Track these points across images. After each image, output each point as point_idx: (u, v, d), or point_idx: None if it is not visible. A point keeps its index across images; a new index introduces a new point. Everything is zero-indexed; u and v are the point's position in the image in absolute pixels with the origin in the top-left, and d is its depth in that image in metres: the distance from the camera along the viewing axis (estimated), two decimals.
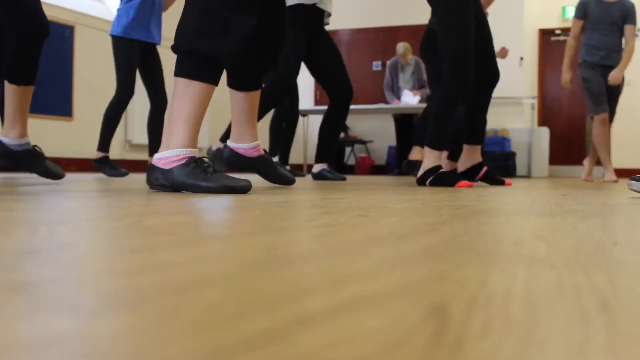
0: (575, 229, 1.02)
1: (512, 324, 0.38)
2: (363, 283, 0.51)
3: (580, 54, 5.68)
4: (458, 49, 3.32)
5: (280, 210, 1.35)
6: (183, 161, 2.06)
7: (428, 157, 3.47)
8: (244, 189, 2.06)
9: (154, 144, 4.73)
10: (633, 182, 2.27)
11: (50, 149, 6.44)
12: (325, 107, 9.65)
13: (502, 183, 3.80)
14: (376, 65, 10.09)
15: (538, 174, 9.02)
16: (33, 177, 3.87)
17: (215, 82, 2.14)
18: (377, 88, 10.05)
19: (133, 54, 4.63)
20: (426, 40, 4.49)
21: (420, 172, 3.48)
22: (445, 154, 4.10)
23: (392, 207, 1.49)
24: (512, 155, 8.55)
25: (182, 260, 0.62)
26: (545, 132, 9.06)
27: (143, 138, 7.48)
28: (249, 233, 0.88)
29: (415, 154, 4.98)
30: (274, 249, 0.71)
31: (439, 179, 3.41)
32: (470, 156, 3.84)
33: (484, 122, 3.78)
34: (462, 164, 3.88)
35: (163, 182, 2.09)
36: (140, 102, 7.39)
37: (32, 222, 0.98)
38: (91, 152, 6.76)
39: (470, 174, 3.85)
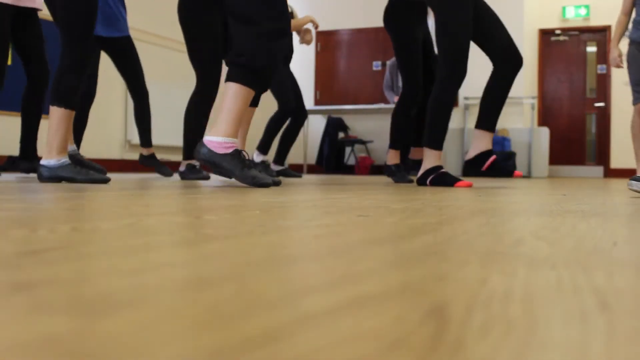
0: (575, 229, 1.02)
1: (512, 324, 0.38)
2: (363, 283, 0.51)
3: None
4: (455, 50, 3.32)
5: (280, 210, 1.35)
6: (230, 150, 2.60)
7: (428, 157, 3.46)
8: (269, 184, 2.62)
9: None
10: (633, 182, 2.27)
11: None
12: (325, 107, 9.66)
13: (510, 175, 3.50)
14: (376, 65, 10.09)
15: (538, 174, 9.02)
16: (32, 178, 3.86)
17: (255, 89, 2.71)
18: (377, 88, 10.05)
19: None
20: (389, 13, 4.24)
21: (421, 172, 3.48)
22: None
23: (392, 207, 1.49)
24: (512, 155, 8.55)
25: (182, 260, 0.62)
26: (545, 132, 9.06)
27: None
28: (249, 233, 0.88)
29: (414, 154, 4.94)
30: (274, 249, 0.71)
31: (440, 178, 3.40)
32: (479, 142, 3.49)
33: (499, 108, 3.46)
34: (472, 149, 3.56)
35: (207, 158, 2.59)
36: None
37: (32, 222, 0.98)
38: (87, 150, 6.77)
39: (477, 162, 3.52)
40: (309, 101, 10.47)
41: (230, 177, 2.62)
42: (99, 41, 4.59)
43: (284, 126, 5.38)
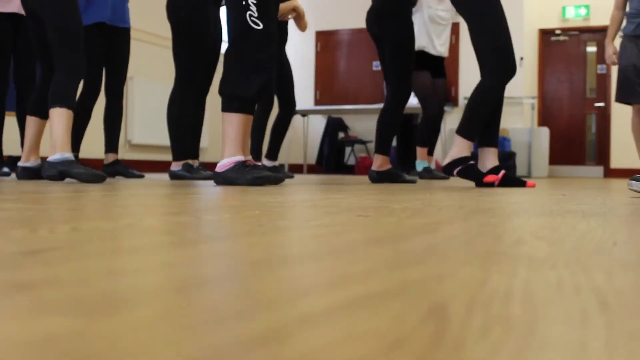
0: (575, 229, 1.02)
1: (512, 324, 0.38)
2: (363, 283, 0.51)
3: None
4: (499, 40, 3.18)
5: (280, 210, 1.35)
6: (233, 164, 2.94)
7: (458, 146, 3.27)
8: (268, 177, 2.90)
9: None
10: (633, 182, 2.27)
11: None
12: (325, 107, 9.65)
13: (523, 184, 3.34)
14: (376, 65, 10.08)
15: (538, 174, 9.02)
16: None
17: (252, 112, 3.03)
18: (377, 88, 10.05)
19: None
20: (372, 22, 4.10)
21: (448, 160, 3.29)
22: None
23: (392, 207, 1.49)
24: (512, 155, 8.55)
25: (182, 260, 0.62)
26: (545, 132, 9.06)
27: (143, 138, 7.48)
28: (249, 233, 0.88)
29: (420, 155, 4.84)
30: (274, 249, 0.71)
31: (468, 171, 3.23)
32: (489, 159, 3.43)
33: (499, 121, 3.45)
34: (480, 168, 3.68)
35: (223, 181, 2.94)
36: (140, 102, 7.39)
37: (32, 222, 0.98)
38: (92, 151, 6.77)
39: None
40: (309, 101, 10.46)
41: (240, 184, 2.92)
42: (101, 28, 4.45)
43: (274, 120, 5.20)
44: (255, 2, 2.93)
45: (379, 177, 4.03)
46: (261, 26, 2.94)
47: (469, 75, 9.39)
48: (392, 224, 1.06)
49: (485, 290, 0.49)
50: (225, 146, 3.00)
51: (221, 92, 3.02)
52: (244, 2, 2.93)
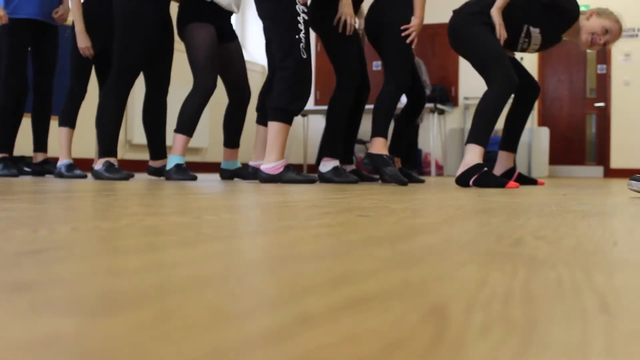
0: (575, 229, 1.02)
1: (512, 324, 0.38)
2: (363, 283, 0.51)
3: None
4: (492, 55, 3.35)
5: (280, 210, 1.35)
6: (282, 168, 3.53)
7: (470, 153, 3.23)
8: (313, 180, 3.56)
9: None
10: (633, 182, 2.27)
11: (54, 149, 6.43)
12: (325, 108, 9.65)
13: (534, 183, 3.77)
14: (376, 65, 10.08)
15: (538, 174, 9.02)
16: (31, 178, 3.86)
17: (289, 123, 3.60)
18: (377, 88, 10.02)
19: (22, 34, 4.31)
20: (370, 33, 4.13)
21: (462, 170, 3.22)
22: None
23: (392, 207, 1.49)
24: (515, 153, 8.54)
25: (182, 260, 0.62)
26: (545, 132, 9.06)
27: (143, 138, 7.48)
28: (249, 233, 0.88)
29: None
30: (274, 249, 0.71)
31: (484, 179, 3.16)
32: (504, 162, 3.79)
33: (522, 130, 3.79)
34: (497, 169, 3.79)
35: (269, 179, 3.52)
36: (140, 102, 7.38)
37: (32, 222, 0.98)
38: (89, 152, 6.77)
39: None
40: (309, 101, 10.45)
41: (296, 183, 3.47)
42: (32, 24, 4.41)
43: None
44: (304, 35, 3.53)
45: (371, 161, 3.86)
46: (306, 55, 3.54)
47: (469, 75, 9.39)
48: (392, 224, 1.06)
49: (485, 290, 0.49)
50: (268, 153, 3.57)
51: (268, 103, 3.58)
52: (297, 36, 3.51)
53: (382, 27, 3.88)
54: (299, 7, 3.52)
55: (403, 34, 3.76)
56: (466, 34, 3.49)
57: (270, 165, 3.54)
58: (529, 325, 0.38)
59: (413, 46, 3.79)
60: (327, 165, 3.87)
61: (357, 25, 4.34)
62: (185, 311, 0.40)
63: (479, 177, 3.17)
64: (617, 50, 9.59)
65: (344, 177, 3.78)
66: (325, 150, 3.91)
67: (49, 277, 0.51)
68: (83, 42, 4.10)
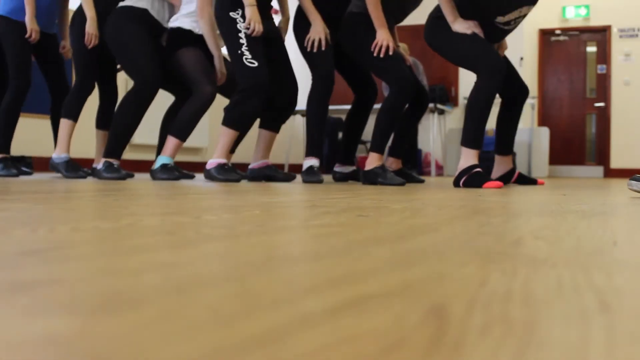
0: (575, 229, 1.02)
1: (512, 324, 0.38)
2: (363, 283, 0.51)
3: None
4: (479, 54, 3.37)
5: (280, 210, 1.35)
6: (216, 164, 3.78)
7: (464, 156, 3.32)
8: (234, 179, 3.71)
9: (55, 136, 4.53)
10: (633, 182, 2.27)
11: (50, 149, 6.44)
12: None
13: (534, 183, 3.85)
14: None
15: (538, 174, 9.02)
16: (31, 178, 3.86)
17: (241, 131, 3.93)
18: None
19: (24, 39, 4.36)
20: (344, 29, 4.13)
21: (457, 172, 3.35)
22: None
23: (392, 207, 1.49)
24: (512, 155, 8.55)
25: (182, 260, 0.62)
26: (545, 132, 9.06)
27: (145, 138, 7.48)
28: (249, 233, 0.88)
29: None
30: (274, 249, 0.71)
31: (470, 179, 3.25)
32: (502, 165, 3.86)
33: (514, 133, 3.85)
34: (495, 172, 3.85)
35: (207, 176, 3.82)
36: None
37: (32, 222, 0.98)
38: (89, 152, 6.77)
39: (504, 180, 3.85)
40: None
41: (220, 181, 3.57)
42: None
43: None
44: (247, 48, 3.76)
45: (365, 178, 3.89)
46: (256, 64, 3.76)
47: (468, 75, 9.39)
48: (392, 224, 1.06)
49: (485, 290, 0.49)
50: (216, 150, 3.86)
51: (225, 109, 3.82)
52: (239, 51, 3.74)
53: (354, 55, 4.06)
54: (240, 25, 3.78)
55: (375, 54, 3.78)
56: (438, 41, 3.54)
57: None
58: (529, 325, 0.38)
59: (390, 52, 3.75)
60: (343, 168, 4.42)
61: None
62: (185, 311, 0.40)
63: (467, 178, 3.29)
64: (617, 50, 9.59)
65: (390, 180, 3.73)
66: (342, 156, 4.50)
67: (49, 277, 0.51)
68: (94, 28, 4.13)
